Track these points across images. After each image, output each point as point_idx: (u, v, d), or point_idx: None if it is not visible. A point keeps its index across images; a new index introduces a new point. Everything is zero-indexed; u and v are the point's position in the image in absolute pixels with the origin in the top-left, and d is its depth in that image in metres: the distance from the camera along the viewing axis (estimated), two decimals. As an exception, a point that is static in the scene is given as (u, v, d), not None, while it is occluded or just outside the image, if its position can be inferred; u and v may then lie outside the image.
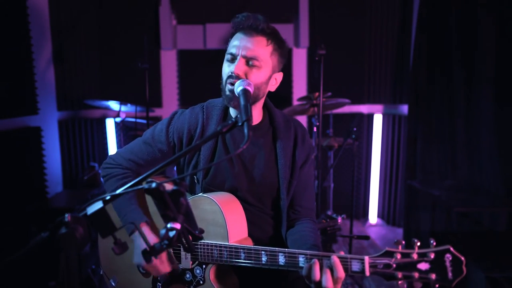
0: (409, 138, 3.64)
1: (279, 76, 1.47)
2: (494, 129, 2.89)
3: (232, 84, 1.34)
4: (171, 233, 0.94)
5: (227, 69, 1.38)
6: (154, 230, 1.44)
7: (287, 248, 1.34)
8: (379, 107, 4.32)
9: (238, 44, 1.36)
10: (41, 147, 3.67)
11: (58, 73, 3.96)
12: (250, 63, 1.36)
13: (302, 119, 4.38)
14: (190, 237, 0.98)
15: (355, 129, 3.08)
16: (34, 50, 3.57)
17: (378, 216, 4.39)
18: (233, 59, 1.38)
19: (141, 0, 4.11)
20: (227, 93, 1.37)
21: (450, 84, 3.25)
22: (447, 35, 3.25)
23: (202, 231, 1.01)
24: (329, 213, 3.71)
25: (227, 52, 1.40)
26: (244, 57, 1.35)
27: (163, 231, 0.95)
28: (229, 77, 1.36)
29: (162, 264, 1.35)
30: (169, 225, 0.94)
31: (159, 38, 4.09)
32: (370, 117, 4.35)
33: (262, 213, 1.49)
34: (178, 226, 0.94)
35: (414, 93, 3.56)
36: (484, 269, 2.03)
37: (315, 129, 3.15)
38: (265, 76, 1.40)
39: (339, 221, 2.34)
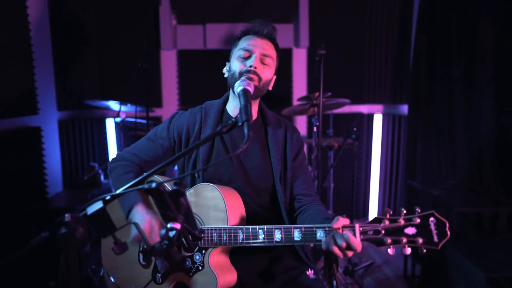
0: (409, 138, 3.64)
1: (274, 78, 1.61)
2: (494, 129, 2.89)
3: (249, 78, 1.44)
4: (171, 233, 0.94)
5: (239, 64, 1.48)
6: (150, 208, 1.46)
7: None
8: (379, 107, 4.32)
9: (254, 43, 1.50)
10: (41, 147, 3.67)
11: (58, 73, 3.96)
12: (264, 62, 1.49)
13: (302, 119, 4.38)
14: (190, 237, 0.98)
15: (355, 129, 3.08)
16: (34, 50, 3.57)
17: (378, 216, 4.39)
18: (249, 55, 1.49)
19: (141, 0, 4.11)
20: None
21: (450, 84, 3.25)
22: (447, 35, 3.25)
23: (202, 231, 1.02)
24: (329, 213, 3.71)
25: (241, 48, 1.50)
26: (261, 54, 1.49)
27: (163, 231, 0.95)
28: (247, 71, 1.45)
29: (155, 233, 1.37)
30: (169, 225, 0.95)
31: (159, 38, 4.09)
32: (370, 117, 4.35)
33: (259, 207, 1.54)
34: (178, 226, 0.94)
35: (414, 93, 3.56)
36: (484, 269, 2.03)
37: (315, 129, 3.15)
38: (271, 75, 1.55)
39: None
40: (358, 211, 4.46)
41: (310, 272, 1.53)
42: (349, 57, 4.23)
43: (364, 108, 4.39)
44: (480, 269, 2.04)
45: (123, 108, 3.39)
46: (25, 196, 3.29)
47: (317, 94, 2.99)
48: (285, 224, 1.54)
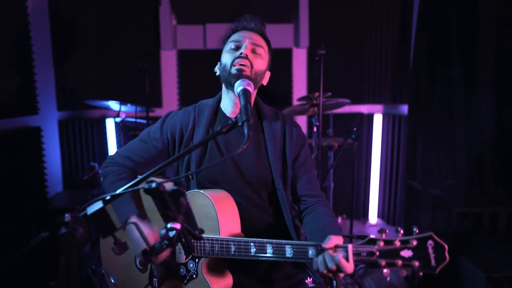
0: (409, 138, 3.64)
1: (267, 75, 1.56)
2: (494, 129, 2.89)
3: (241, 64, 1.40)
4: (171, 233, 0.94)
5: (230, 56, 1.45)
6: (144, 221, 1.44)
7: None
8: (379, 107, 4.32)
9: (243, 35, 1.47)
10: (41, 147, 3.67)
11: (58, 73, 3.96)
12: (255, 51, 1.46)
13: (302, 119, 4.38)
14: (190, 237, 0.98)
15: (355, 129, 3.08)
16: (34, 50, 3.57)
17: (378, 216, 4.39)
18: (238, 46, 1.46)
19: (141, 0, 4.11)
20: (234, 71, 1.41)
21: (450, 84, 3.25)
22: (447, 35, 3.25)
23: (202, 231, 1.02)
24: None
25: (231, 40, 1.48)
26: (251, 43, 1.46)
27: (163, 231, 0.95)
28: (238, 57, 1.42)
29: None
30: (169, 225, 0.94)
31: (159, 38, 4.09)
32: (370, 117, 4.35)
33: (257, 208, 1.50)
34: (178, 226, 0.94)
35: (414, 93, 3.56)
36: (484, 269, 2.03)
37: (315, 129, 3.15)
38: (264, 66, 1.50)
39: (339, 221, 2.35)
40: (358, 211, 4.45)
41: (309, 281, 1.50)
42: (349, 57, 4.23)
43: (364, 108, 4.38)
44: (480, 269, 2.04)
45: (123, 108, 3.39)
46: (25, 196, 3.29)
47: (317, 94, 2.99)
48: (287, 225, 1.51)
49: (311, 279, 1.51)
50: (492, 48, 2.89)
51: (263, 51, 1.48)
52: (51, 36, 3.87)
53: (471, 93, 3.08)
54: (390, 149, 4.15)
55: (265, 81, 1.54)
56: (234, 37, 1.49)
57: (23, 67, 3.47)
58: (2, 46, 3.15)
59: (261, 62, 1.47)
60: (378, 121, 4.29)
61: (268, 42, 1.53)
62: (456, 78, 3.19)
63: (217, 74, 1.53)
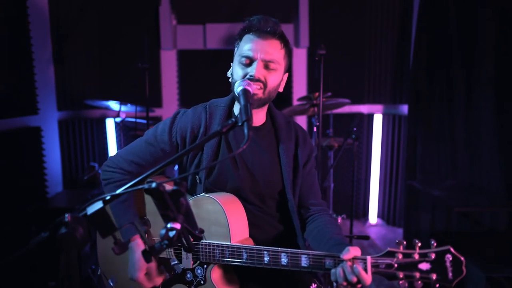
0: (409, 138, 3.64)
1: (285, 77, 1.48)
2: (494, 129, 2.89)
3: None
4: (171, 233, 0.93)
5: (240, 72, 1.36)
6: (149, 237, 1.45)
7: (296, 248, 1.35)
8: (379, 107, 4.32)
9: (254, 47, 1.35)
10: (41, 147, 3.67)
11: (58, 73, 3.96)
12: (268, 67, 1.36)
13: (302, 119, 4.38)
14: (190, 237, 0.98)
15: (355, 129, 3.07)
16: (34, 50, 3.57)
17: (378, 216, 4.39)
18: (250, 62, 1.36)
19: (141, 0, 4.11)
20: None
21: (450, 84, 3.25)
22: (447, 35, 3.25)
23: (202, 231, 1.01)
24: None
25: (242, 54, 1.36)
26: (263, 60, 1.35)
27: (163, 231, 0.95)
28: (248, 79, 1.33)
29: (150, 280, 1.36)
30: (169, 225, 0.94)
31: (159, 38, 4.09)
32: (370, 117, 4.35)
33: (264, 214, 1.49)
34: (178, 226, 0.94)
35: (414, 93, 3.56)
36: (484, 269, 2.03)
37: (315, 129, 3.15)
38: (279, 78, 1.42)
39: (339, 221, 2.34)
40: (358, 211, 4.45)
41: (313, 286, 1.49)
42: (349, 57, 4.23)
43: (364, 108, 4.38)
44: (480, 269, 2.04)
45: (123, 108, 3.39)
46: (25, 196, 3.29)
47: (317, 94, 2.99)
48: (296, 233, 1.50)
49: (316, 284, 1.49)
50: (492, 48, 2.89)
51: (278, 64, 1.37)
52: (51, 36, 3.87)
53: (471, 93, 3.08)
54: (390, 149, 4.15)
55: (281, 88, 1.47)
56: (245, 47, 1.36)
57: (23, 67, 3.47)
58: (2, 46, 3.15)
59: (275, 77, 1.38)
60: (378, 121, 4.29)
61: (286, 44, 1.41)
62: (456, 78, 3.19)
63: (230, 80, 1.44)
